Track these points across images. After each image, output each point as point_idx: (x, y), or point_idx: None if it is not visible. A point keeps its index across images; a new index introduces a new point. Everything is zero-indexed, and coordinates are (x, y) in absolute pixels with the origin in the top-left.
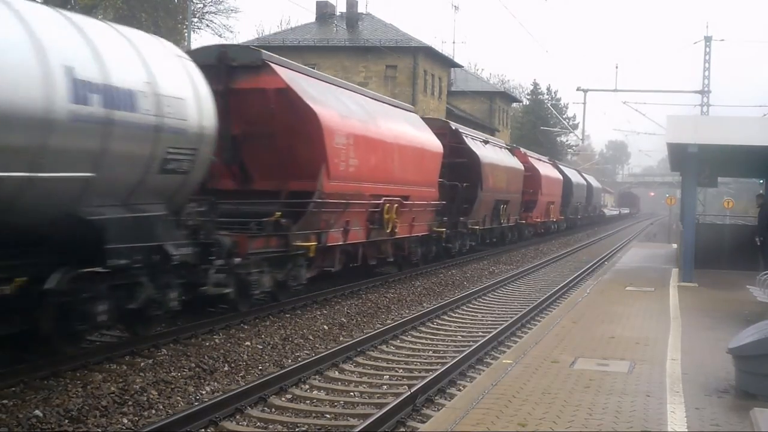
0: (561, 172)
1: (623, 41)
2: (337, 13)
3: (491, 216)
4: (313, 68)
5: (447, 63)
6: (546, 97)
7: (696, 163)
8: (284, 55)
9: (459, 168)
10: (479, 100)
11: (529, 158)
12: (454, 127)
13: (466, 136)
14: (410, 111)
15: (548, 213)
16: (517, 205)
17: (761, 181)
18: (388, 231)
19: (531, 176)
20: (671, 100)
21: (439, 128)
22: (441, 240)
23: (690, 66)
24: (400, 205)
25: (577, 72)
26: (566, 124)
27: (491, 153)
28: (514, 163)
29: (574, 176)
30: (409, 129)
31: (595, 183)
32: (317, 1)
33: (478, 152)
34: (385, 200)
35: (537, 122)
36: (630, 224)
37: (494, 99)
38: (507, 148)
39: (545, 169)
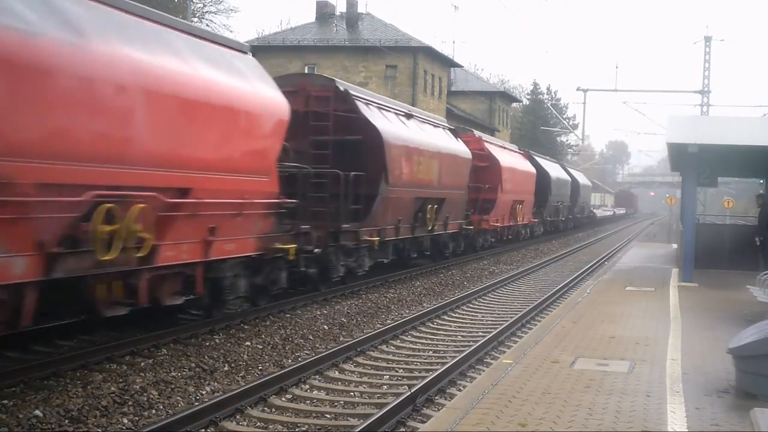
0: (535, 164)
1: (623, 41)
2: (337, 13)
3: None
4: (313, 68)
5: (447, 63)
6: (546, 97)
7: (696, 163)
8: (284, 55)
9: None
10: (479, 100)
11: (486, 143)
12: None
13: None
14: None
15: (515, 215)
16: (458, 203)
17: (761, 181)
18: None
19: (487, 168)
20: (671, 100)
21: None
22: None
23: (690, 66)
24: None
25: (577, 72)
26: (566, 124)
27: (409, 133)
28: (456, 148)
29: (555, 170)
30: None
31: (583, 180)
32: (317, 1)
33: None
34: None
35: (537, 122)
36: (623, 227)
37: (494, 99)
38: (449, 129)
39: (509, 159)
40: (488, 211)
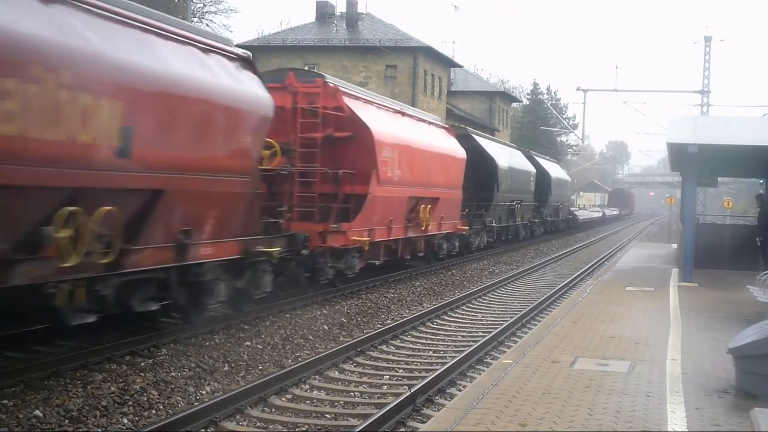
0: (470, 146)
1: (623, 41)
2: (337, 13)
3: None
4: (313, 68)
5: (447, 63)
6: (546, 97)
7: (696, 163)
8: (284, 55)
9: None
10: (479, 100)
11: (346, 97)
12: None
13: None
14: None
15: (418, 221)
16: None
17: (761, 181)
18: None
19: (349, 141)
20: (671, 100)
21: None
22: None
23: (690, 66)
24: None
25: (577, 72)
26: (566, 124)
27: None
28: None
29: (508, 158)
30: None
31: (557, 173)
32: (317, 1)
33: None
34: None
35: (537, 122)
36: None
37: (494, 99)
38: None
39: (397, 127)
40: (353, 215)
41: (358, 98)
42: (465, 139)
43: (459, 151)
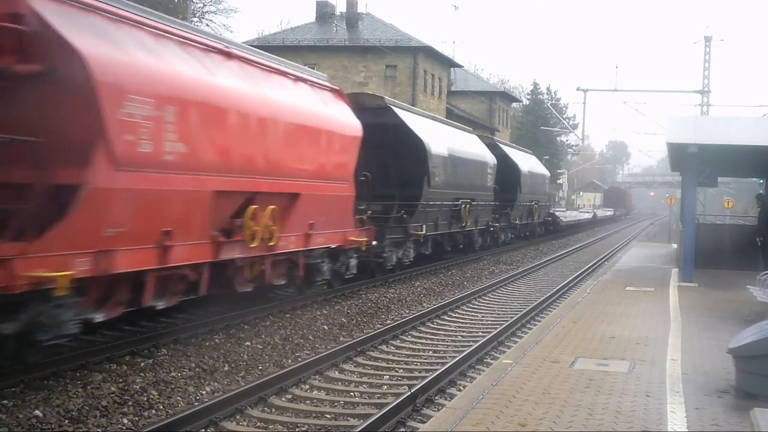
0: (395, 123)
1: (623, 41)
2: (337, 13)
3: None
4: (313, 68)
5: (447, 63)
6: (546, 97)
7: (696, 163)
8: (284, 55)
9: None
10: (479, 100)
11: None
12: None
13: None
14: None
15: (253, 234)
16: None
17: (761, 181)
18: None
19: (53, 81)
20: (671, 100)
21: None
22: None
23: (690, 66)
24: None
25: (577, 72)
26: (566, 124)
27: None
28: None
29: (449, 141)
30: (472, 146)
31: (533, 167)
32: (317, 1)
33: None
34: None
35: (537, 122)
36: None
37: (494, 99)
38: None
39: (184, 66)
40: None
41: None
42: (382, 114)
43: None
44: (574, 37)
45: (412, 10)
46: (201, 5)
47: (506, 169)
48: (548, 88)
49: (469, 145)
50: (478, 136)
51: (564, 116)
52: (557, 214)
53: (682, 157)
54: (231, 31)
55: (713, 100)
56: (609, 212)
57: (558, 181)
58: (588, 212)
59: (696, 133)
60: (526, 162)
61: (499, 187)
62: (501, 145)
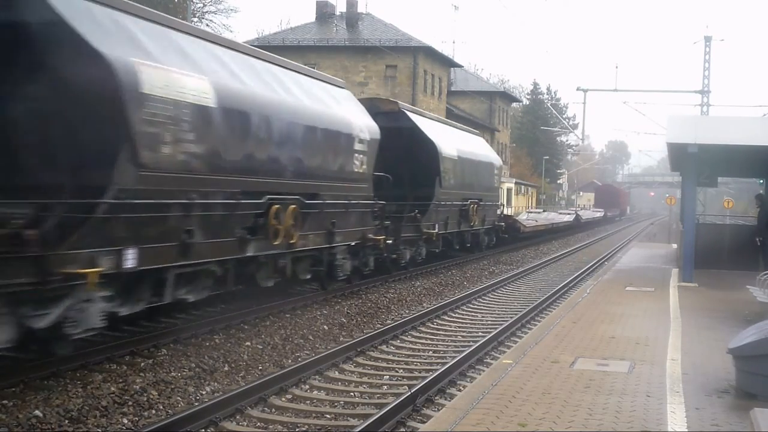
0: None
1: (623, 41)
2: (337, 13)
3: None
4: (313, 68)
5: (447, 63)
6: (546, 97)
7: (696, 163)
8: (284, 55)
9: None
10: (479, 100)
11: None
12: None
13: None
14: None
15: None
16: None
17: (761, 181)
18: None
19: None
20: (671, 100)
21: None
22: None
23: (690, 66)
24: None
25: (577, 72)
26: (566, 123)
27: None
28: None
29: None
30: (478, 147)
31: (471, 150)
32: (317, 1)
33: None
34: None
35: (537, 122)
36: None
37: (494, 99)
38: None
39: None
40: None
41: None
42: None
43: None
44: (574, 37)
45: (412, 10)
46: (201, 5)
47: (416, 149)
48: (548, 88)
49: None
50: (401, 105)
51: (564, 116)
52: (521, 218)
53: (682, 157)
54: (231, 31)
55: (713, 100)
56: (599, 213)
57: (558, 181)
58: (569, 215)
59: (696, 133)
60: (454, 141)
61: (401, 177)
62: (409, 114)
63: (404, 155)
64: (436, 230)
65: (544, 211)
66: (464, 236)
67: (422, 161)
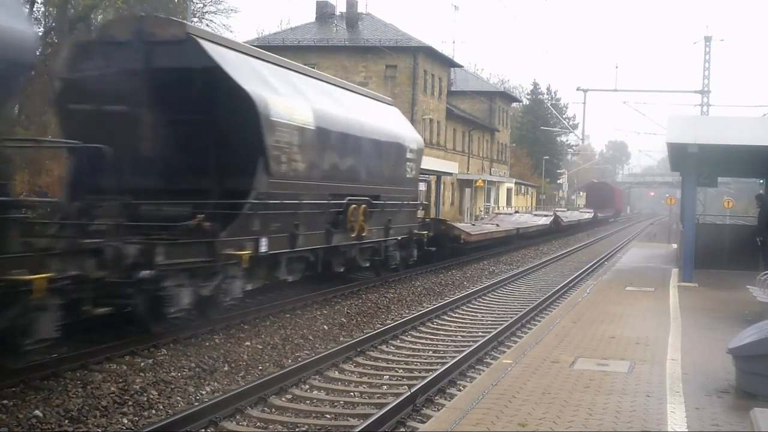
0: None
1: (623, 41)
2: (337, 13)
3: None
4: (313, 68)
5: (447, 63)
6: (546, 97)
7: (696, 163)
8: (284, 55)
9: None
10: (479, 100)
11: None
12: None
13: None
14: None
15: None
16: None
17: (761, 181)
18: (353, 235)
19: None
20: (671, 100)
21: None
22: None
23: (690, 66)
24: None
25: (577, 72)
26: (566, 124)
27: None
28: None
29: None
30: (378, 120)
31: (371, 122)
32: (317, 1)
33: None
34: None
35: (537, 122)
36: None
37: (494, 99)
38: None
39: None
40: None
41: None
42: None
43: (414, 140)
44: (574, 37)
45: (412, 10)
46: (201, 5)
47: (219, 108)
48: (548, 88)
49: (372, 117)
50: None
51: (564, 116)
52: (463, 225)
53: (682, 157)
54: (231, 32)
55: (713, 100)
56: (587, 215)
57: (558, 181)
58: (545, 215)
59: (696, 133)
60: (314, 100)
61: (195, 158)
62: (205, 45)
63: (202, 120)
64: (260, 249)
65: (516, 212)
66: (344, 254)
67: (229, 129)
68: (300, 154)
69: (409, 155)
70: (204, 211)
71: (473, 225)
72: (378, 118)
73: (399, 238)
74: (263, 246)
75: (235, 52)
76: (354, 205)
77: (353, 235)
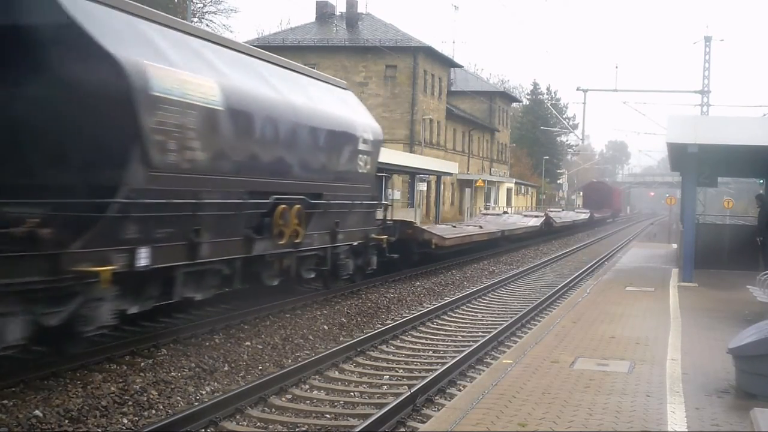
0: None
1: (623, 41)
2: (337, 13)
3: None
4: (313, 68)
5: (447, 63)
6: (546, 97)
7: (696, 163)
8: (284, 55)
9: None
10: (479, 100)
11: None
12: None
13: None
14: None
15: None
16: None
17: (761, 181)
18: (283, 242)
19: None
20: (671, 100)
21: None
22: None
23: (690, 66)
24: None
25: (577, 72)
26: (566, 124)
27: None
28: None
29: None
30: (322, 103)
31: (311, 105)
32: (317, 1)
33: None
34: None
35: (537, 122)
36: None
37: (494, 99)
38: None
39: None
40: None
41: (108, 7)
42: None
43: (368, 127)
44: (574, 37)
45: (412, 10)
46: (201, 5)
47: (78, 78)
48: (548, 88)
49: (315, 101)
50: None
51: (564, 116)
52: (436, 228)
53: (682, 157)
54: (231, 32)
55: (713, 100)
56: (583, 215)
57: (558, 181)
58: (536, 216)
59: (696, 133)
60: (228, 74)
61: (43, 143)
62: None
63: (55, 94)
64: (137, 263)
65: (506, 212)
66: (274, 265)
67: (92, 107)
68: (199, 141)
69: (362, 146)
70: (47, 214)
71: (454, 227)
72: (322, 101)
73: (353, 243)
74: (142, 258)
75: (108, 8)
76: (283, 206)
77: (283, 242)
